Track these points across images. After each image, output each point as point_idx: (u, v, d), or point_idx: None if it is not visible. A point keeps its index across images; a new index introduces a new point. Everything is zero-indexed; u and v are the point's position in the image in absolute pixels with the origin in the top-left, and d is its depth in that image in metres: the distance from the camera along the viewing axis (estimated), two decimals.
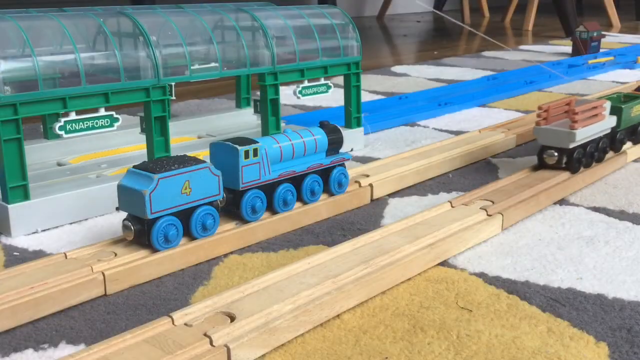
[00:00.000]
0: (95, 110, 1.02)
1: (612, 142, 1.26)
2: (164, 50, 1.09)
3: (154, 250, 0.87)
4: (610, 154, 1.28)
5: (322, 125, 1.07)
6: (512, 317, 0.75)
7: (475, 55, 2.93)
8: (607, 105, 1.20)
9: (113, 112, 1.04)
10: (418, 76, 2.37)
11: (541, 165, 1.17)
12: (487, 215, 0.98)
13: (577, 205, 1.10)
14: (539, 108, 1.16)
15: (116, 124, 1.04)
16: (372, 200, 1.14)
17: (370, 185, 1.13)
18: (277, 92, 1.26)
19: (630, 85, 2.07)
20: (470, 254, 0.92)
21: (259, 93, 1.27)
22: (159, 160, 0.88)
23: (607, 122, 1.19)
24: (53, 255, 0.86)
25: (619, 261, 0.90)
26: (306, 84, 1.32)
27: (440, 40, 3.66)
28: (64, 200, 1.02)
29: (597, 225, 1.02)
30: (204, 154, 1.10)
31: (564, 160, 1.14)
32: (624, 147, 1.31)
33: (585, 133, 1.13)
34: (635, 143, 1.33)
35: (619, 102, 1.28)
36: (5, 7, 1.14)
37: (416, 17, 5.10)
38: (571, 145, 1.13)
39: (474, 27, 4.39)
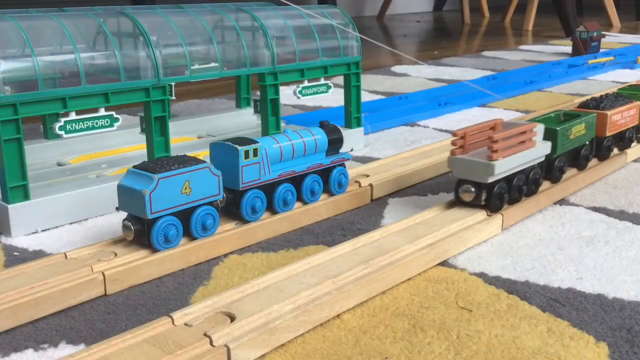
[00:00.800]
0: (95, 110, 1.02)
1: (548, 171, 1.09)
2: (164, 50, 1.09)
3: (154, 250, 0.87)
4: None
5: (322, 125, 1.07)
6: (512, 317, 0.75)
7: (475, 55, 2.93)
8: (539, 128, 1.03)
9: (113, 112, 1.04)
10: (418, 76, 2.37)
11: (458, 201, 1.01)
12: (487, 215, 0.98)
13: (577, 205, 1.10)
14: (454, 134, 0.99)
15: (116, 124, 1.04)
16: (372, 200, 1.14)
17: (370, 185, 1.13)
18: (277, 92, 1.26)
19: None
20: (470, 254, 0.92)
21: (259, 93, 1.27)
22: (159, 160, 0.88)
23: (540, 149, 1.03)
24: (53, 255, 0.86)
25: (619, 261, 0.90)
26: (306, 84, 1.32)
27: (440, 40, 3.66)
28: (64, 200, 1.02)
29: (597, 225, 1.02)
30: (204, 154, 1.10)
31: (483, 196, 0.97)
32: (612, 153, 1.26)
33: (508, 164, 0.96)
34: (580, 169, 1.17)
35: (556, 123, 1.12)
36: (5, 7, 1.14)
37: (416, 17, 5.10)
38: (490, 180, 0.95)
39: (474, 26, 4.39)
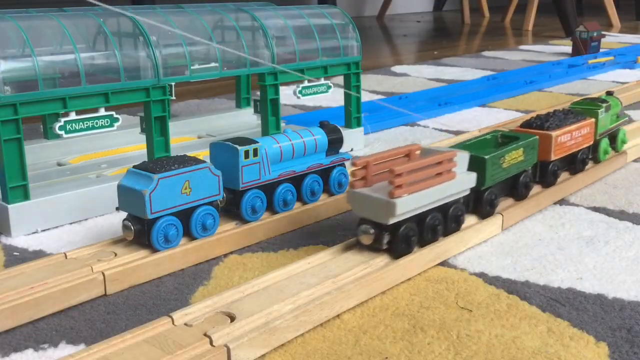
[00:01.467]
0: (95, 110, 1.02)
1: (476, 205, 0.96)
2: (164, 50, 1.09)
3: (154, 250, 0.87)
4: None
5: (322, 125, 1.07)
6: (512, 317, 0.75)
7: (475, 55, 2.93)
8: (462, 157, 0.89)
9: (113, 112, 1.04)
10: (418, 76, 2.37)
11: (359, 243, 0.86)
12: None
13: (577, 205, 1.10)
14: (354, 164, 0.83)
15: (116, 124, 1.04)
16: None
17: None
18: (277, 92, 1.26)
19: (629, 85, 2.07)
20: (470, 254, 0.92)
21: (259, 93, 1.27)
22: (159, 160, 0.88)
23: (462, 182, 0.89)
24: (53, 255, 0.86)
25: (619, 261, 0.90)
26: (306, 84, 1.32)
27: (440, 40, 3.66)
28: (64, 200, 1.02)
29: (597, 225, 1.02)
30: (204, 154, 1.10)
31: (385, 239, 0.82)
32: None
33: (417, 201, 0.82)
34: (517, 199, 1.03)
35: (491, 147, 1.01)
36: (5, 7, 1.14)
37: (416, 17, 5.10)
38: (392, 221, 0.80)
39: (474, 26, 4.39)
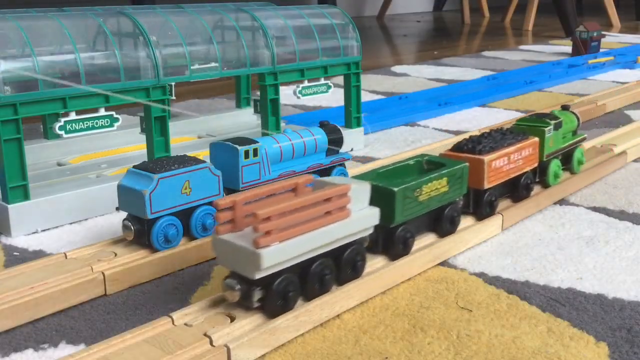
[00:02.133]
0: (95, 110, 1.02)
1: (386, 245, 0.83)
2: (164, 50, 1.09)
3: (154, 250, 0.87)
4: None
5: (322, 125, 1.07)
6: (512, 317, 0.75)
7: (475, 55, 2.93)
8: (360, 191, 0.75)
9: (113, 112, 1.04)
10: (418, 76, 2.37)
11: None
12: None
13: (577, 205, 1.10)
14: (217, 204, 0.68)
15: (116, 124, 1.04)
16: None
17: None
18: (277, 92, 1.26)
19: (629, 85, 2.07)
20: (470, 254, 0.92)
21: (259, 93, 1.27)
22: (159, 160, 0.88)
23: (359, 220, 0.75)
24: (53, 255, 0.86)
25: (619, 261, 0.90)
26: (306, 84, 1.32)
27: (440, 40, 3.66)
28: (64, 200, 1.02)
29: (597, 225, 1.02)
30: (204, 154, 1.10)
31: (255, 297, 0.69)
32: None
33: (294, 249, 0.68)
34: (442, 235, 0.90)
35: (411, 176, 0.88)
36: (5, 7, 1.14)
37: (416, 17, 5.10)
38: (258, 275, 0.66)
39: (474, 26, 4.39)
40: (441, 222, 0.89)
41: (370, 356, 0.68)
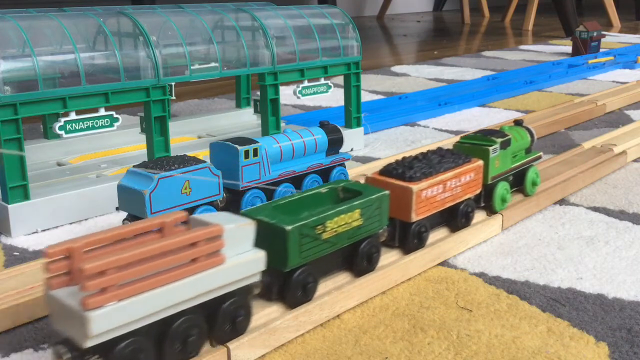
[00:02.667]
0: (95, 110, 1.02)
1: (282, 292, 0.72)
2: (164, 50, 1.09)
3: None
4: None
5: (322, 125, 1.07)
6: (512, 317, 0.75)
7: (475, 55, 2.93)
8: (240, 231, 0.64)
9: (113, 112, 1.04)
10: (418, 76, 2.37)
11: None
12: (487, 215, 0.98)
13: (577, 205, 1.10)
14: (47, 253, 0.55)
15: (116, 124, 1.05)
16: None
17: None
18: (277, 92, 1.26)
19: (631, 87, 2.06)
20: (470, 254, 0.92)
21: (259, 93, 1.27)
22: (159, 160, 0.88)
23: (237, 266, 0.63)
24: None
25: (619, 261, 0.90)
26: (306, 84, 1.32)
27: (440, 40, 3.66)
28: (64, 200, 1.02)
29: (597, 225, 1.02)
30: (204, 154, 1.10)
31: None
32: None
33: (142, 308, 0.56)
34: (357, 274, 0.79)
35: (321, 207, 0.78)
36: (5, 7, 1.14)
37: (416, 17, 5.10)
38: (89, 342, 0.54)
39: (474, 26, 4.39)
40: (357, 260, 0.78)
41: (370, 356, 0.68)
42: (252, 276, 0.65)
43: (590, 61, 2.55)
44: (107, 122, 1.03)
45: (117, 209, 0.89)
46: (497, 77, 2.28)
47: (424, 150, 0.95)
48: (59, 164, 1.22)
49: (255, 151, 0.96)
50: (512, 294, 0.81)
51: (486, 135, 0.97)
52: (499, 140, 0.97)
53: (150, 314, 0.57)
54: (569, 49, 2.96)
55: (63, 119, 0.99)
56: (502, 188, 0.97)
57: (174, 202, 0.87)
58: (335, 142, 1.07)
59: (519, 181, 1.04)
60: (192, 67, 1.13)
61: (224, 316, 0.64)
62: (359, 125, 1.42)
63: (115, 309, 0.54)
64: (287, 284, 0.71)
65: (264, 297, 0.72)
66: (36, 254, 0.92)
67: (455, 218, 0.91)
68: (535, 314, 0.76)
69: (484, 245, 0.95)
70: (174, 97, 1.14)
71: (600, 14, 4.64)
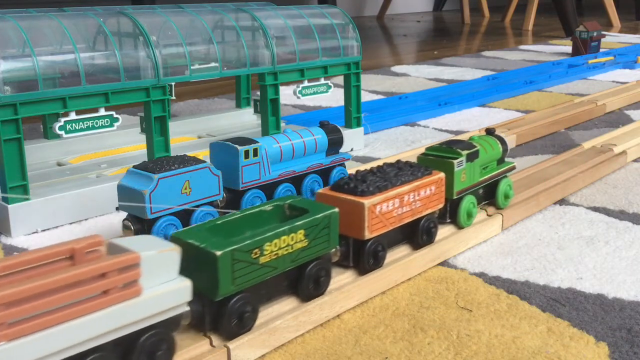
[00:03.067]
0: (95, 110, 1.02)
1: (215, 322, 0.66)
2: (164, 50, 1.09)
3: None
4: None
5: (322, 125, 1.07)
6: (512, 317, 0.75)
7: (475, 55, 2.93)
8: (162, 259, 0.58)
9: (113, 112, 1.04)
10: (418, 76, 2.37)
11: None
12: (487, 215, 0.98)
13: (577, 205, 1.10)
14: None
15: (116, 124, 1.05)
16: None
17: None
18: (277, 92, 1.26)
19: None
20: (470, 254, 0.92)
21: (259, 93, 1.27)
22: (159, 160, 0.88)
23: (156, 299, 0.57)
24: None
25: (619, 261, 0.90)
26: (306, 84, 1.32)
27: (440, 40, 3.66)
28: (64, 200, 1.02)
29: (597, 225, 1.02)
30: (204, 154, 1.10)
31: None
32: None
33: (39, 348, 0.51)
34: (303, 299, 0.74)
35: (258, 227, 0.73)
36: (5, 7, 1.14)
37: (416, 17, 5.10)
38: None
39: (474, 26, 4.39)
40: (302, 284, 0.72)
41: (370, 356, 0.68)
42: (175, 308, 0.59)
43: (590, 61, 2.55)
44: (107, 122, 1.03)
45: (117, 209, 0.89)
46: (497, 77, 2.28)
47: (383, 162, 0.90)
48: (59, 164, 1.22)
49: (255, 151, 0.96)
50: (512, 294, 0.81)
51: (452, 147, 0.92)
52: (465, 152, 0.92)
53: (53, 353, 0.51)
54: (569, 49, 2.96)
55: (63, 119, 0.99)
56: (468, 202, 0.93)
57: (174, 202, 0.87)
58: (335, 142, 1.07)
59: (491, 194, 0.99)
60: (192, 67, 1.13)
61: (141, 351, 0.58)
62: (359, 125, 1.42)
63: (4, 350, 0.48)
64: (220, 314, 0.65)
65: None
66: None
67: (416, 235, 0.86)
68: (535, 314, 0.76)
69: (484, 245, 0.95)
70: (174, 97, 1.14)
71: (600, 14, 4.64)
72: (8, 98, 0.92)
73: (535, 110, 1.76)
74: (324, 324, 0.74)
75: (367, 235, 0.77)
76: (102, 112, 1.03)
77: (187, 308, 0.61)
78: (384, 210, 0.79)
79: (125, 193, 0.86)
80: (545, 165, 1.21)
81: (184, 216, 0.89)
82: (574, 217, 1.05)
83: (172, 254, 0.59)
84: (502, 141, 1.01)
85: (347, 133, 1.32)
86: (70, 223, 1.03)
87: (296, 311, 0.71)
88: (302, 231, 0.70)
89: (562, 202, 1.11)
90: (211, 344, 0.66)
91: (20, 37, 0.96)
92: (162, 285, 0.58)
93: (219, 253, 0.63)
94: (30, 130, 1.47)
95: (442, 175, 0.87)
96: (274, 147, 0.99)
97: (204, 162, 0.90)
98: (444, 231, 0.92)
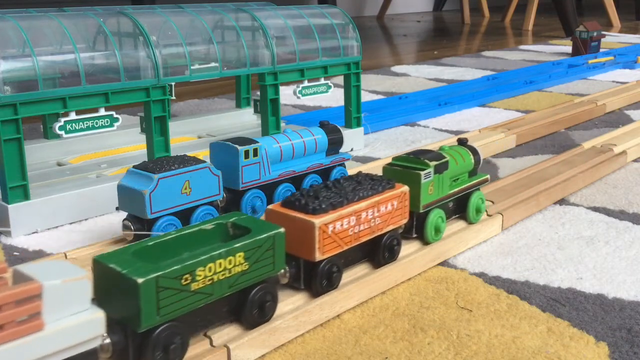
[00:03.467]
0: (95, 110, 1.02)
1: (138, 355, 0.59)
2: (164, 50, 1.09)
3: None
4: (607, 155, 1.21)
5: (322, 125, 1.07)
6: (512, 317, 0.75)
7: (475, 55, 2.93)
8: (70, 288, 0.53)
9: (113, 112, 1.04)
10: (418, 76, 2.37)
11: None
12: (487, 215, 0.98)
13: (577, 205, 1.10)
14: None
15: (116, 124, 1.05)
16: None
17: None
18: (277, 92, 1.26)
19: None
20: (470, 254, 0.92)
21: (259, 93, 1.27)
22: (159, 160, 0.88)
23: (62, 333, 0.52)
24: (53, 255, 0.86)
25: (619, 261, 0.90)
26: (306, 84, 1.32)
27: (440, 40, 3.66)
28: (64, 200, 1.02)
29: (597, 225, 1.02)
30: (204, 154, 1.10)
31: None
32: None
33: None
34: (248, 327, 0.68)
35: (197, 248, 0.66)
36: (5, 7, 1.14)
37: (416, 17, 5.10)
38: None
39: (474, 26, 4.39)
40: (245, 310, 0.67)
41: (370, 356, 0.68)
42: (87, 342, 0.54)
43: (590, 61, 2.55)
44: (107, 122, 1.03)
45: (117, 209, 0.89)
46: (497, 77, 2.28)
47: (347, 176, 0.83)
48: (59, 164, 1.22)
49: (255, 151, 0.96)
50: (512, 294, 0.81)
51: (419, 157, 0.87)
52: (433, 163, 0.87)
53: None
54: (569, 49, 2.96)
55: (63, 119, 0.99)
56: (435, 217, 0.88)
57: (174, 202, 0.87)
58: (335, 142, 1.07)
59: (462, 207, 0.95)
60: (192, 67, 1.13)
61: None
62: (359, 125, 1.42)
63: None
64: (144, 346, 0.59)
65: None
66: (36, 254, 0.92)
67: (377, 253, 0.80)
68: (535, 314, 0.76)
69: (484, 245, 0.95)
70: (174, 97, 1.14)
71: (600, 14, 4.64)
72: (8, 98, 0.92)
73: (535, 110, 1.76)
74: (324, 324, 0.74)
75: (319, 256, 0.72)
76: (102, 112, 1.03)
77: (108, 340, 0.57)
78: (338, 229, 0.73)
79: (125, 193, 0.86)
80: (545, 165, 1.21)
81: (184, 216, 0.89)
82: (574, 217, 1.05)
83: (81, 282, 0.53)
84: (475, 152, 0.96)
85: (347, 133, 1.32)
86: (70, 223, 1.03)
87: (296, 311, 0.71)
88: (241, 254, 0.64)
89: (562, 202, 1.11)
90: (211, 343, 0.66)
91: (20, 37, 0.96)
92: (70, 318, 0.53)
93: (140, 280, 0.56)
94: (30, 130, 1.47)
95: (405, 189, 0.81)
96: (274, 147, 0.99)
97: (204, 162, 0.90)
98: (445, 230, 0.92)
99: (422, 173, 0.85)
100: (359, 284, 0.78)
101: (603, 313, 0.76)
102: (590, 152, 1.28)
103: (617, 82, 2.20)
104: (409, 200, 0.82)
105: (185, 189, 0.88)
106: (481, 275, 0.86)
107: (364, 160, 1.35)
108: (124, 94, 1.04)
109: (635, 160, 1.33)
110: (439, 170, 0.87)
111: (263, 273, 0.67)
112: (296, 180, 1.03)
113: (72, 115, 0.99)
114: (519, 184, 1.11)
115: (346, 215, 0.74)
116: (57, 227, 1.02)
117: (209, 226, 0.68)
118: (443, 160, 0.88)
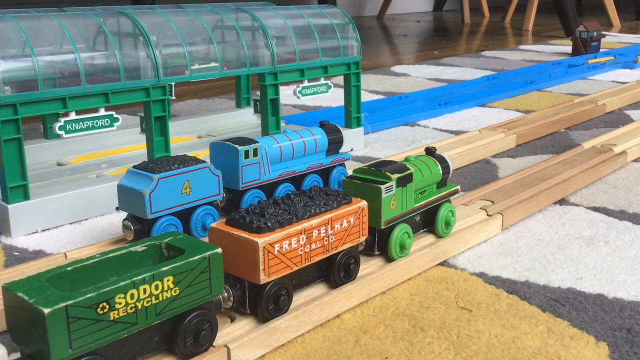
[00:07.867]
0: (95, 110, 1.02)
1: None
2: (164, 50, 1.09)
3: None
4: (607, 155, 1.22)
5: (322, 125, 1.07)
6: (512, 317, 0.75)
7: (475, 55, 2.93)
8: None
9: (113, 112, 1.04)
10: (418, 76, 2.37)
11: None
12: (487, 215, 0.98)
13: (577, 205, 1.10)
14: None
15: (116, 124, 1.05)
16: None
17: None
18: (277, 92, 1.26)
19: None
20: (470, 254, 0.92)
21: (259, 93, 1.27)
22: (159, 160, 0.88)
23: None
24: (53, 255, 0.86)
25: (619, 261, 0.90)
26: (306, 83, 1.32)
27: (440, 40, 3.66)
28: (64, 200, 1.02)
29: (597, 225, 1.02)
30: (204, 154, 1.10)
31: None
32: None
33: None
34: (182, 355, 0.62)
35: (126, 272, 0.61)
36: (5, 7, 1.14)
37: (416, 17, 5.10)
38: None
39: (474, 26, 4.39)
40: (178, 338, 0.61)
41: (370, 356, 0.68)
42: None
43: (590, 61, 2.55)
44: (107, 122, 1.03)
45: (117, 209, 0.89)
46: (497, 77, 2.28)
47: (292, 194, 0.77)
48: (59, 164, 1.22)
49: (255, 151, 0.96)
50: (512, 294, 0.81)
51: (380, 170, 0.81)
52: (396, 175, 0.81)
53: None
54: (569, 49, 2.96)
55: (63, 119, 0.99)
56: (400, 232, 0.82)
57: (174, 202, 0.87)
58: (335, 142, 1.07)
59: (430, 220, 0.89)
60: (192, 67, 1.13)
61: None
62: (359, 125, 1.42)
63: None
64: None
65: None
66: (36, 254, 0.92)
67: (332, 273, 0.75)
68: (535, 314, 0.76)
69: (484, 245, 0.95)
70: (174, 97, 1.14)
71: (600, 14, 4.64)
72: (8, 98, 0.92)
73: (535, 110, 1.76)
74: (324, 324, 0.74)
75: (264, 278, 0.66)
76: (102, 112, 1.03)
77: None
78: (286, 249, 0.68)
79: (125, 193, 0.86)
80: (545, 165, 1.21)
81: (184, 216, 0.89)
82: (574, 217, 1.05)
83: None
84: (443, 161, 0.91)
85: (347, 133, 1.32)
86: (71, 223, 1.03)
87: (296, 311, 0.71)
88: (169, 277, 0.58)
89: (562, 202, 1.11)
90: (211, 343, 0.66)
91: (20, 37, 0.96)
92: None
93: (47, 310, 0.50)
94: (30, 130, 1.47)
95: (363, 204, 0.76)
96: (274, 147, 0.99)
97: (204, 162, 0.90)
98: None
99: (383, 187, 0.79)
100: (359, 284, 0.78)
101: (603, 313, 0.76)
102: (590, 152, 1.28)
103: (617, 82, 2.20)
104: (368, 216, 0.77)
105: (185, 189, 0.88)
106: (481, 275, 0.86)
107: (364, 160, 1.35)
108: (124, 94, 1.04)
109: (635, 160, 1.33)
110: (401, 183, 0.82)
111: (198, 298, 0.61)
112: (296, 180, 1.03)
113: (72, 115, 0.99)
114: (519, 183, 1.11)
115: (295, 233, 0.69)
116: (57, 227, 1.02)
117: (140, 248, 0.62)
118: (406, 173, 0.83)
